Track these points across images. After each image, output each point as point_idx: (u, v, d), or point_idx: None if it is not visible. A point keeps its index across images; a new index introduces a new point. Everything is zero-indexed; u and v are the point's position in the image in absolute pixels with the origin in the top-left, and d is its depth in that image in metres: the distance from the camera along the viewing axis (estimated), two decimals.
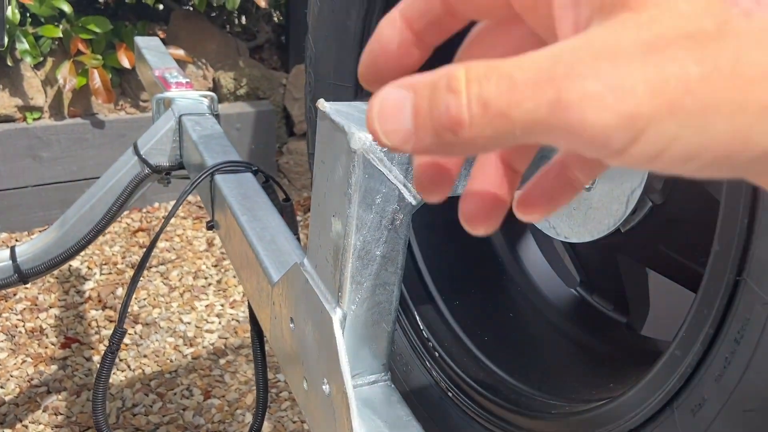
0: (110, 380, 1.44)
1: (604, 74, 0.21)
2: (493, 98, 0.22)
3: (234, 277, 2.33)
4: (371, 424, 0.55)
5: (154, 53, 1.42)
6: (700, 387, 0.54)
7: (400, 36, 0.29)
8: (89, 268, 2.35)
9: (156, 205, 2.77)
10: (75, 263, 2.33)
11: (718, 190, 0.57)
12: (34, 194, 2.58)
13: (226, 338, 2.06)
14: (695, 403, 0.54)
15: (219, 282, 2.33)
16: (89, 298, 2.19)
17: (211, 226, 0.94)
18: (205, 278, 2.34)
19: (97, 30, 2.57)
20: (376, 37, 0.30)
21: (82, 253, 2.02)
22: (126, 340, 1.99)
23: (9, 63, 2.47)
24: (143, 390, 1.83)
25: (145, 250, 0.94)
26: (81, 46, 2.55)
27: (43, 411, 1.75)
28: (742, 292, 0.50)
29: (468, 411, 0.83)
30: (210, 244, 2.53)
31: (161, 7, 3.00)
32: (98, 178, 1.14)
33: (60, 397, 1.80)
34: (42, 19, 2.54)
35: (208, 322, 2.12)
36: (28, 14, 2.54)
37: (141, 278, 0.93)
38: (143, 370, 1.91)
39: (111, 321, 2.08)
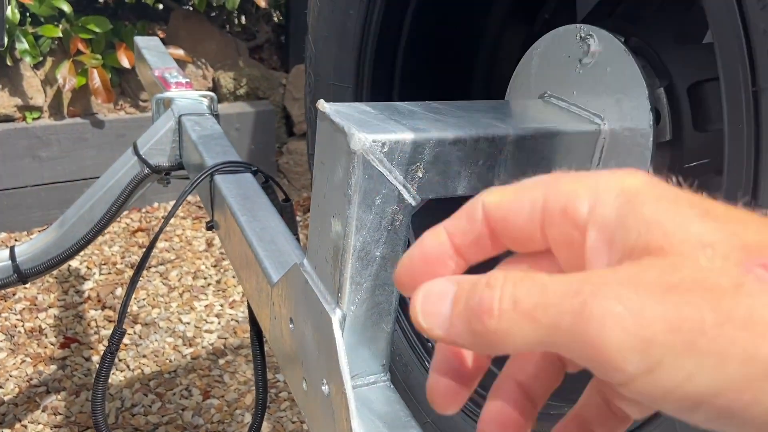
0: (109, 380, 1.44)
1: (626, 299, 0.23)
2: (523, 298, 0.25)
3: (233, 277, 2.33)
4: (370, 424, 0.55)
5: (153, 53, 1.42)
6: None
7: (441, 248, 0.32)
8: (88, 268, 2.35)
9: (155, 205, 2.77)
10: (74, 263, 2.33)
11: (717, 192, 0.57)
12: (33, 194, 2.58)
13: (225, 338, 2.06)
14: None
15: (218, 282, 2.33)
16: (88, 298, 2.19)
17: (210, 227, 0.94)
18: (205, 278, 2.34)
19: (97, 30, 2.57)
20: (418, 245, 0.32)
21: (82, 253, 2.01)
22: (125, 340, 1.99)
23: (8, 63, 2.47)
24: (142, 390, 1.83)
25: (144, 250, 0.94)
26: (81, 46, 2.55)
27: (42, 411, 1.75)
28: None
29: (467, 411, 0.83)
30: (209, 244, 2.53)
31: (161, 6, 3.00)
32: (98, 178, 1.14)
33: (59, 397, 1.80)
34: (42, 19, 2.54)
35: (207, 322, 2.12)
36: (27, 14, 2.54)
37: (140, 278, 0.93)
38: (142, 370, 1.91)
39: (110, 321, 2.08)
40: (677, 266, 0.24)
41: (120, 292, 2.22)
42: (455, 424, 0.85)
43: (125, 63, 2.59)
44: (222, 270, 2.39)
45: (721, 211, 0.25)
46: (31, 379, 1.85)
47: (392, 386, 0.60)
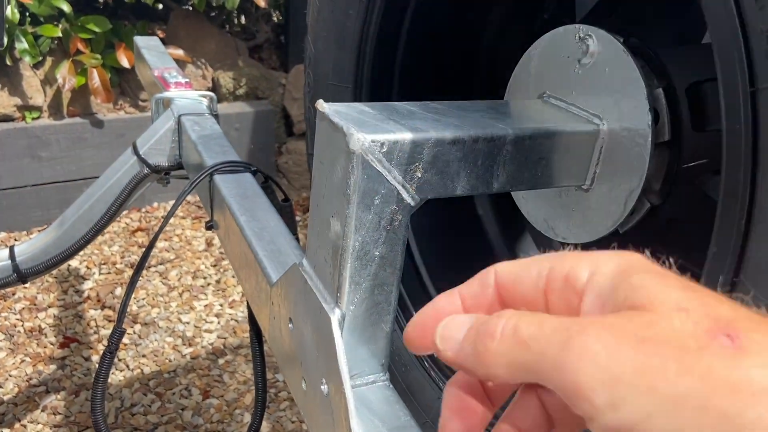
0: (109, 380, 1.44)
1: (605, 340, 0.27)
2: (523, 328, 0.30)
3: (233, 277, 2.33)
4: (369, 424, 0.55)
5: (153, 53, 1.42)
6: None
7: (453, 308, 0.36)
8: (88, 267, 2.35)
9: (155, 204, 2.77)
10: (74, 263, 2.33)
11: (715, 192, 0.57)
12: (32, 194, 2.58)
13: (224, 338, 2.06)
14: None
15: (218, 282, 2.33)
16: (88, 297, 2.19)
17: (210, 226, 0.94)
18: (204, 278, 2.34)
19: (97, 29, 2.57)
20: (432, 304, 0.37)
21: (81, 253, 2.02)
22: (125, 340, 1.99)
23: (8, 62, 2.47)
24: (142, 390, 1.83)
25: (144, 249, 0.94)
26: (80, 46, 2.55)
27: (42, 410, 1.75)
28: (738, 294, 0.50)
29: None
30: (209, 244, 2.53)
31: (160, 6, 3.00)
32: (97, 177, 1.14)
33: (59, 396, 1.80)
34: (41, 19, 2.54)
35: (206, 321, 2.12)
36: (27, 13, 2.54)
37: (140, 278, 0.93)
38: (142, 370, 1.91)
39: (110, 321, 2.08)
40: (654, 322, 0.27)
41: (119, 291, 2.22)
42: None
43: (125, 63, 2.59)
44: (221, 270, 2.39)
45: (700, 289, 0.29)
46: (30, 378, 1.85)
47: (391, 386, 0.60)
